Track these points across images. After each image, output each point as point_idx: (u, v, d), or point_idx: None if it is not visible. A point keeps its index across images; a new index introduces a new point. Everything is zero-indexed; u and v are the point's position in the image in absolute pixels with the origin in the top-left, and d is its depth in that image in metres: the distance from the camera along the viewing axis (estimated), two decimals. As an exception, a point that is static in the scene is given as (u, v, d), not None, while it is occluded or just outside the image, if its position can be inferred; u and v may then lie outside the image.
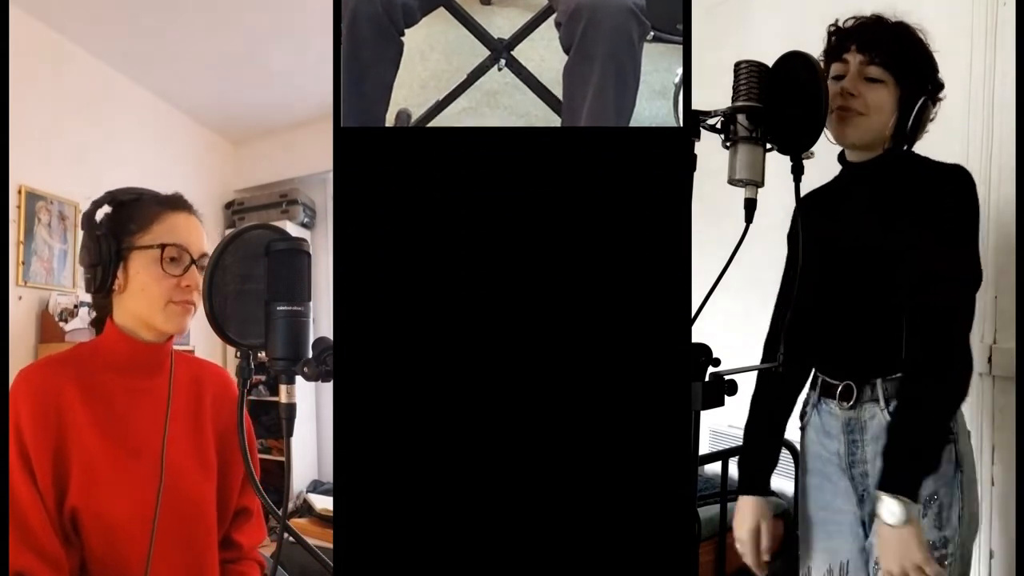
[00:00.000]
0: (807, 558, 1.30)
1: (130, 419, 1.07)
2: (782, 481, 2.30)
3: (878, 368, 1.17)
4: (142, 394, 1.09)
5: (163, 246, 1.05)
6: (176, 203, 1.12)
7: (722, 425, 2.64)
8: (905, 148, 1.18)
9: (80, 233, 1.07)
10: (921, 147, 1.20)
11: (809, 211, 1.28)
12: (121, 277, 1.06)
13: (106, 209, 1.08)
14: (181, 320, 1.08)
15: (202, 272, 1.08)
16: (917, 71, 1.16)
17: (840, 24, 1.20)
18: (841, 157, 1.26)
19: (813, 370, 1.30)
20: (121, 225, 1.07)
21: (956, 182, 1.13)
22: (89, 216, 1.07)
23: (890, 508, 1.05)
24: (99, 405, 1.05)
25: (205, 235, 1.13)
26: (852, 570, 1.22)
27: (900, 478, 1.07)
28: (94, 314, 1.14)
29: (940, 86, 1.18)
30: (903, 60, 1.15)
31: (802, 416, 1.33)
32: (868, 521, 1.19)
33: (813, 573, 1.28)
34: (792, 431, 1.35)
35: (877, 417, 1.17)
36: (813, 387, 1.30)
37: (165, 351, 1.13)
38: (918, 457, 1.08)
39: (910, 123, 1.14)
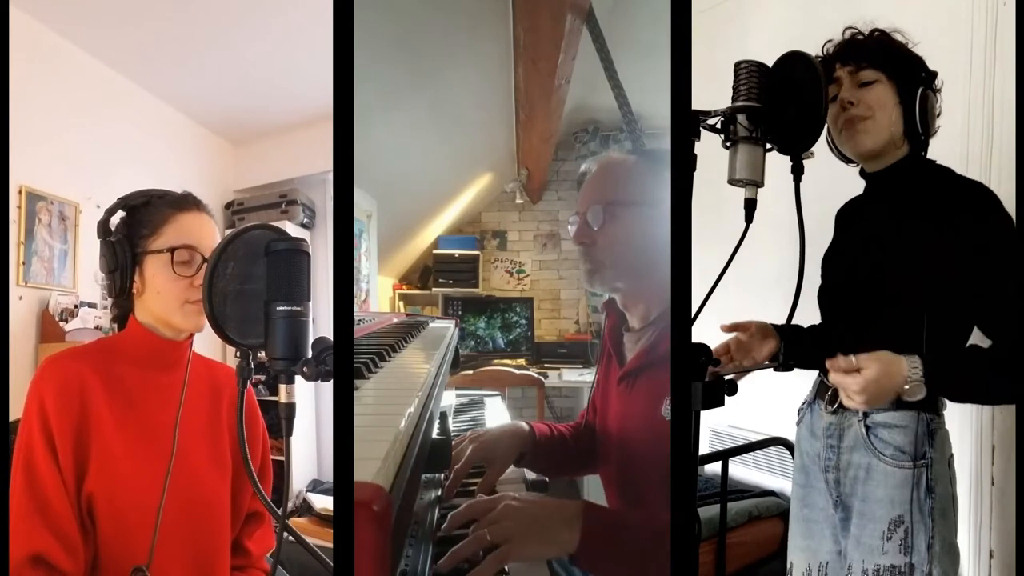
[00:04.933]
0: (792, 553, 1.31)
1: (148, 411, 1.08)
2: (783, 481, 2.30)
3: None
4: (160, 387, 1.11)
5: (172, 250, 1.07)
6: (185, 203, 1.12)
7: (722, 425, 2.64)
8: (923, 153, 1.17)
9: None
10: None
11: (840, 223, 1.29)
12: (139, 281, 1.09)
13: (120, 215, 1.10)
14: (199, 319, 1.09)
15: None
16: (905, 64, 1.16)
17: (821, 52, 1.20)
18: (863, 172, 1.24)
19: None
20: (134, 230, 1.09)
21: (986, 200, 1.09)
22: (103, 223, 1.09)
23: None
24: (119, 396, 1.06)
25: (218, 232, 1.14)
26: (831, 572, 1.22)
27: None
28: (115, 311, 1.15)
29: (933, 75, 1.18)
30: (888, 56, 1.15)
31: (799, 412, 1.33)
32: (840, 527, 1.19)
33: (795, 571, 1.29)
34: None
35: (855, 427, 1.16)
36: (813, 385, 1.30)
37: (184, 347, 1.15)
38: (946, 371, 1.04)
39: (917, 115, 1.13)
